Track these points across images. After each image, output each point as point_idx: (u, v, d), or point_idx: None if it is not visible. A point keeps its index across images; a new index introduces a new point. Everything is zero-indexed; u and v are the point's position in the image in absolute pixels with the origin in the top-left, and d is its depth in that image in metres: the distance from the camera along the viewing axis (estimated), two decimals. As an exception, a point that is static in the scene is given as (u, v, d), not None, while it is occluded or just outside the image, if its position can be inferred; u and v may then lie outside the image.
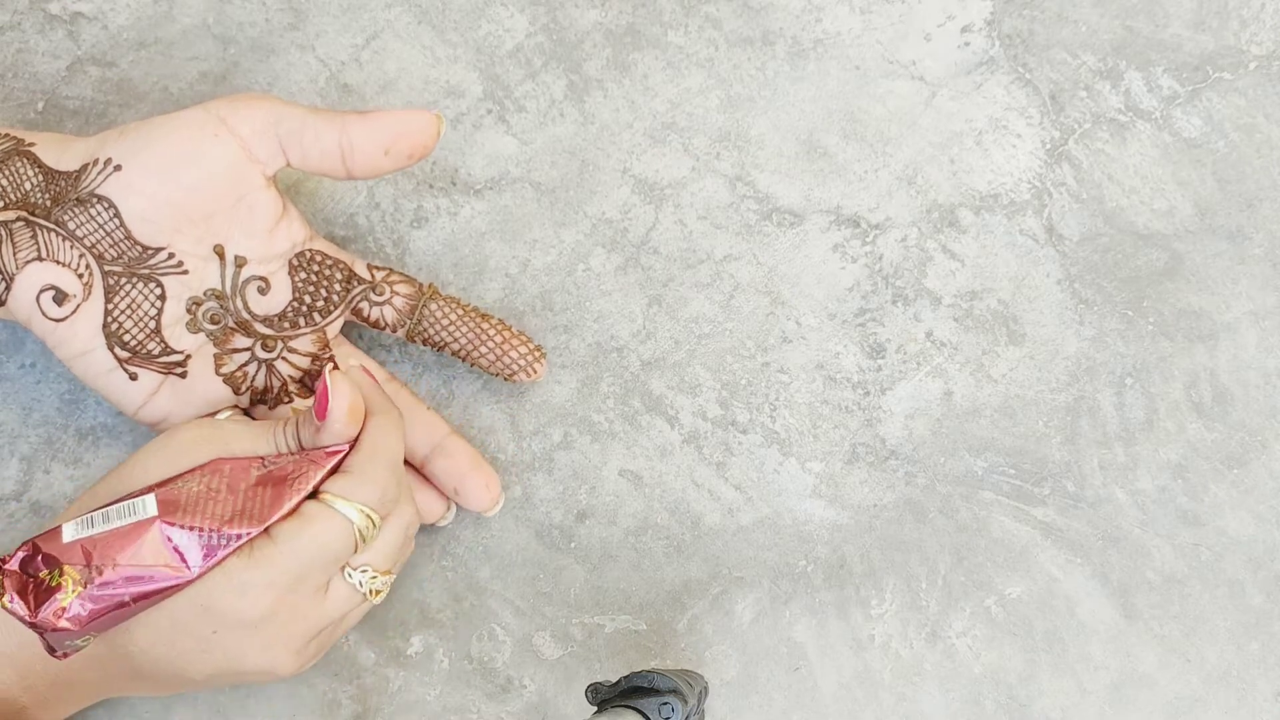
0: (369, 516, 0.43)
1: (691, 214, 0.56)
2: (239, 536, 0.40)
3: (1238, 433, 0.53)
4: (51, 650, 0.40)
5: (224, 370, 0.49)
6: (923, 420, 0.53)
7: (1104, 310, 0.54)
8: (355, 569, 0.44)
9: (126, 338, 0.48)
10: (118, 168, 0.47)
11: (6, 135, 0.48)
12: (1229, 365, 0.54)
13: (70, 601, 0.38)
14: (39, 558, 0.39)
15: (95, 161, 0.47)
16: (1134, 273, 0.55)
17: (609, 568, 0.52)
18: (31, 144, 0.48)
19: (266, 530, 0.41)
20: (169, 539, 0.39)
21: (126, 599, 0.39)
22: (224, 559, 0.40)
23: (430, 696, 0.50)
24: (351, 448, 0.43)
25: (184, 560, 0.39)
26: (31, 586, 0.39)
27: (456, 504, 0.52)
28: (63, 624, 0.38)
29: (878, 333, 0.54)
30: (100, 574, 0.39)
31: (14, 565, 0.39)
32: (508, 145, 0.56)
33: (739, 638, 0.51)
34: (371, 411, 0.44)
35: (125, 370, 0.48)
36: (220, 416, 0.49)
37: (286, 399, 0.50)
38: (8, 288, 0.46)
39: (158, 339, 0.48)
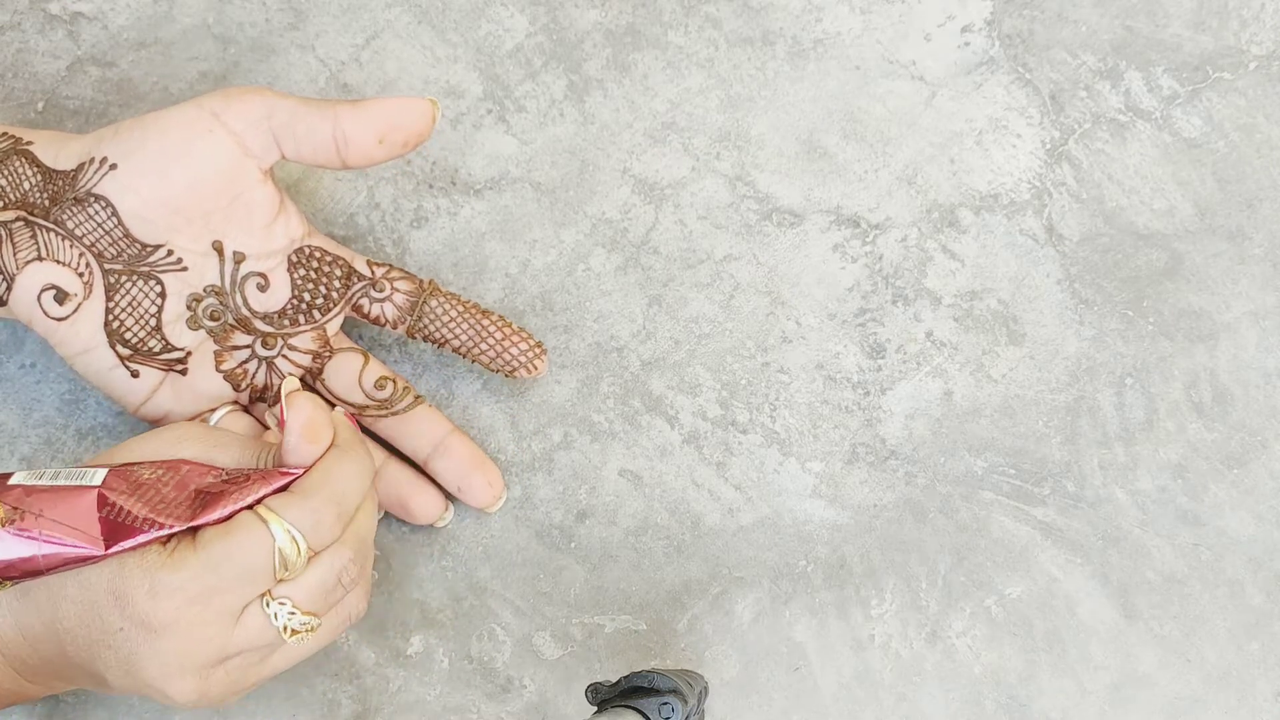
0: (294, 540, 0.40)
1: (691, 214, 0.56)
2: (161, 526, 0.39)
3: (1238, 433, 0.53)
4: None
5: (224, 367, 0.49)
6: (923, 420, 0.53)
7: (1104, 310, 0.54)
8: (274, 599, 0.41)
9: (128, 335, 0.48)
10: (113, 166, 0.47)
11: (4, 134, 0.48)
12: (1229, 365, 0.54)
13: None
14: None
15: (91, 161, 0.47)
16: (1134, 273, 0.55)
17: (609, 568, 0.52)
18: (29, 143, 0.48)
19: (192, 532, 0.40)
20: (99, 511, 0.39)
21: (37, 557, 0.39)
22: (134, 547, 0.39)
23: (430, 696, 0.50)
24: (305, 472, 0.42)
25: (101, 535, 0.39)
26: None
27: (459, 501, 0.51)
28: None
29: (878, 333, 0.54)
30: (23, 519, 0.39)
31: None
32: (508, 145, 0.56)
33: (739, 638, 0.51)
34: (340, 446, 0.42)
35: (127, 368, 0.48)
36: (219, 413, 0.49)
37: (287, 397, 0.50)
38: (9, 288, 0.46)
39: (159, 336, 0.48)
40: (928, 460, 0.53)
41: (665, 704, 0.40)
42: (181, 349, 0.48)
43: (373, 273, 0.51)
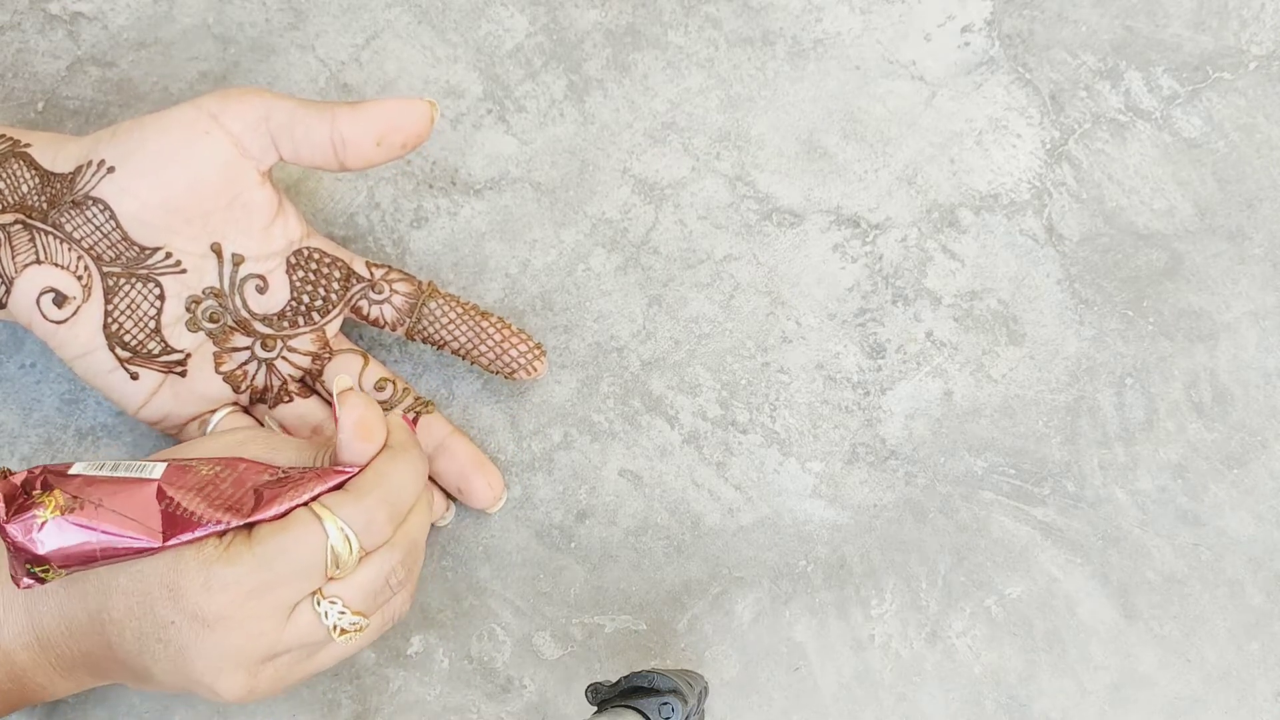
0: (347, 539, 0.41)
1: (691, 214, 0.56)
2: (218, 522, 0.40)
3: (1238, 433, 0.53)
4: (15, 578, 0.40)
5: (224, 369, 0.49)
6: (923, 420, 0.53)
7: (1104, 310, 0.54)
8: (325, 598, 0.41)
9: (127, 338, 0.48)
10: (111, 169, 0.46)
11: (2, 136, 0.48)
12: (1229, 365, 0.54)
13: (45, 521, 0.39)
14: (40, 479, 0.40)
15: (89, 163, 0.47)
16: (1134, 273, 0.55)
17: (609, 568, 0.52)
18: (27, 145, 0.48)
19: (248, 528, 0.41)
20: (158, 504, 0.39)
21: (94, 545, 0.39)
22: (191, 541, 0.40)
23: (430, 696, 0.50)
24: (360, 471, 0.42)
25: (160, 528, 0.39)
26: (19, 498, 0.39)
27: (459, 502, 0.52)
28: (29, 541, 0.38)
29: (878, 333, 0.54)
30: (82, 508, 0.39)
31: (17, 480, 0.39)
32: (508, 145, 0.56)
33: (739, 638, 0.51)
34: (395, 447, 0.43)
35: (126, 370, 0.48)
36: (219, 415, 0.49)
37: (286, 398, 0.50)
38: (8, 291, 0.46)
39: (158, 338, 0.48)
40: (928, 460, 0.53)
41: (665, 704, 0.40)
42: (181, 351, 0.48)
43: (372, 274, 0.51)
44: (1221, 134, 0.56)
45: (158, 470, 0.41)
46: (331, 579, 0.41)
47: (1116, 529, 0.52)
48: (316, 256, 0.50)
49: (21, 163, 0.47)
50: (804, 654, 0.51)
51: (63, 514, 0.39)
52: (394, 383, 0.50)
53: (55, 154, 0.47)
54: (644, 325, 0.54)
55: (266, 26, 0.57)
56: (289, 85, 0.56)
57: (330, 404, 0.51)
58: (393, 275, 0.51)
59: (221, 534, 0.40)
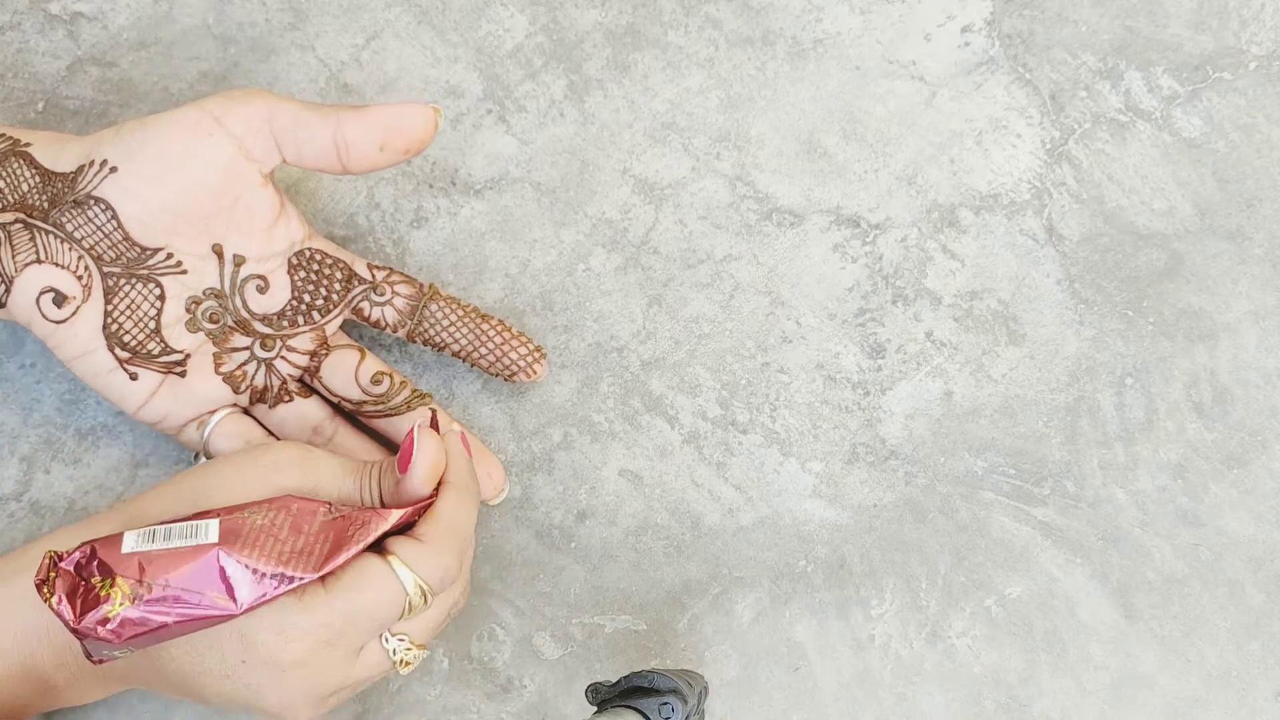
0: (424, 592, 0.41)
1: (691, 214, 0.56)
2: (291, 580, 0.39)
3: (1238, 433, 0.53)
4: (89, 655, 0.39)
5: (223, 369, 0.49)
6: (923, 420, 0.53)
7: (1104, 310, 0.54)
8: (393, 635, 0.43)
9: (126, 338, 0.48)
10: (113, 169, 0.46)
11: (3, 135, 0.48)
12: (1229, 365, 0.54)
13: (115, 614, 0.38)
14: (95, 563, 0.38)
15: (91, 163, 0.47)
16: (1134, 273, 0.55)
17: (609, 568, 0.52)
18: (28, 144, 0.48)
19: (321, 578, 0.40)
20: (223, 569, 0.39)
21: (170, 621, 0.38)
22: (273, 599, 0.39)
23: (430, 696, 0.50)
24: (422, 509, 0.42)
25: (232, 595, 0.39)
26: (82, 590, 0.38)
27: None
28: (104, 634, 0.38)
29: (878, 333, 0.54)
30: (150, 591, 0.38)
31: (69, 565, 0.38)
32: (508, 145, 0.56)
33: (739, 638, 0.51)
34: (455, 483, 0.43)
35: (125, 370, 0.48)
36: (218, 416, 0.49)
37: (286, 398, 0.50)
38: (7, 290, 0.46)
39: (157, 339, 0.48)
40: (928, 460, 0.53)
41: (665, 704, 0.40)
42: (180, 351, 0.48)
43: (373, 276, 0.51)
44: (1221, 134, 0.56)
45: (213, 532, 0.39)
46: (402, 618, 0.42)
47: (1116, 529, 0.52)
48: (318, 258, 0.50)
49: (22, 162, 0.47)
50: (804, 654, 0.51)
51: (131, 602, 0.38)
52: (390, 376, 0.50)
53: (56, 153, 0.47)
54: (644, 325, 0.54)
55: (266, 26, 0.57)
56: (289, 85, 0.56)
57: (328, 402, 0.51)
58: (394, 277, 0.51)
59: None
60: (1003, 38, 0.57)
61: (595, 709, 0.41)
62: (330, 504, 0.42)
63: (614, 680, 0.42)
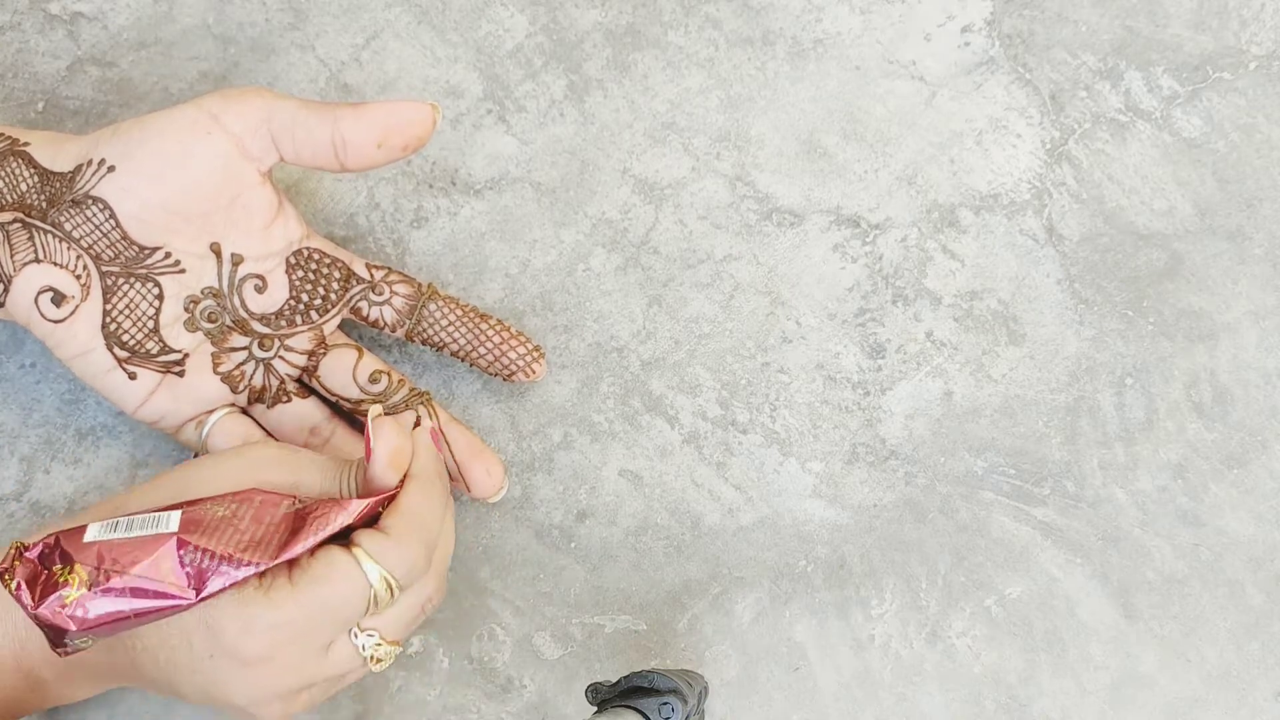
0: (390, 585, 0.41)
1: (691, 214, 0.56)
2: (247, 565, 0.39)
3: (1238, 433, 0.53)
4: (53, 644, 0.40)
5: (221, 369, 0.49)
6: (923, 420, 0.53)
7: (1104, 310, 0.54)
8: (363, 631, 0.42)
9: (125, 337, 0.48)
10: (111, 169, 0.46)
11: (1, 135, 0.48)
12: (1229, 365, 0.54)
13: (73, 599, 0.38)
14: (58, 551, 0.39)
15: (89, 162, 0.47)
16: (1134, 273, 0.55)
17: (609, 568, 0.52)
18: (26, 144, 0.48)
19: (288, 567, 0.40)
20: (181, 559, 0.39)
21: (128, 612, 0.39)
22: (229, 588, 0.39)
23: (430, 696, 0.50)
24: (386, 500, 0.42)
25: (190, 583, 0.39)
26: (43, 578, 0.38)
27: (462, 491, 0.51)
28: (62, 620, 0.38)
29: (878, 333, 0.54)
30: (107, 579, 0.38)
31: (33, 555, 0.39)
32: (508, 145, 0.56)
33: (739, 638, 0.51)
34: (423, 476, 0.43)
35: (124, 370, 0.48)
36: (217, 415, 0.49)
37: (285, 398, 0.50)
38: (6, 290, 0.46)
39: (156, 338, 0.48)
40: (928, 460, 0.53)
41: (665, 704, 0.40)
42: (179, 351, 0.48)
43: (372, 276, 0.51)
44: (1221, 134, 0.56)
45: (174, 521, 0.40)
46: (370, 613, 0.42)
47: (1116, 529, 0.52)
48: (316, 257, 0.50)
49: (20, 161, 0.47)
50: (804, 654, 0.51)
51: (89, 589, 0.38)
52: (388, 375, 0.50)
53: (55, 153, 0.47)
54: (644, 325, 0.54)
55: (266, 26, 0.57)
56: (289, 85, 0.56)
57: (327, 402, 0.51)
58: (393, 277, 0.51)
59: (260, 575, 0.40)
60: (1003, 38, 0.57)
61: (595, 709, 0.41)
62: (295, 497, 0.42)
63: (614, 680, 0.42)
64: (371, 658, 0.43)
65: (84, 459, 0.52)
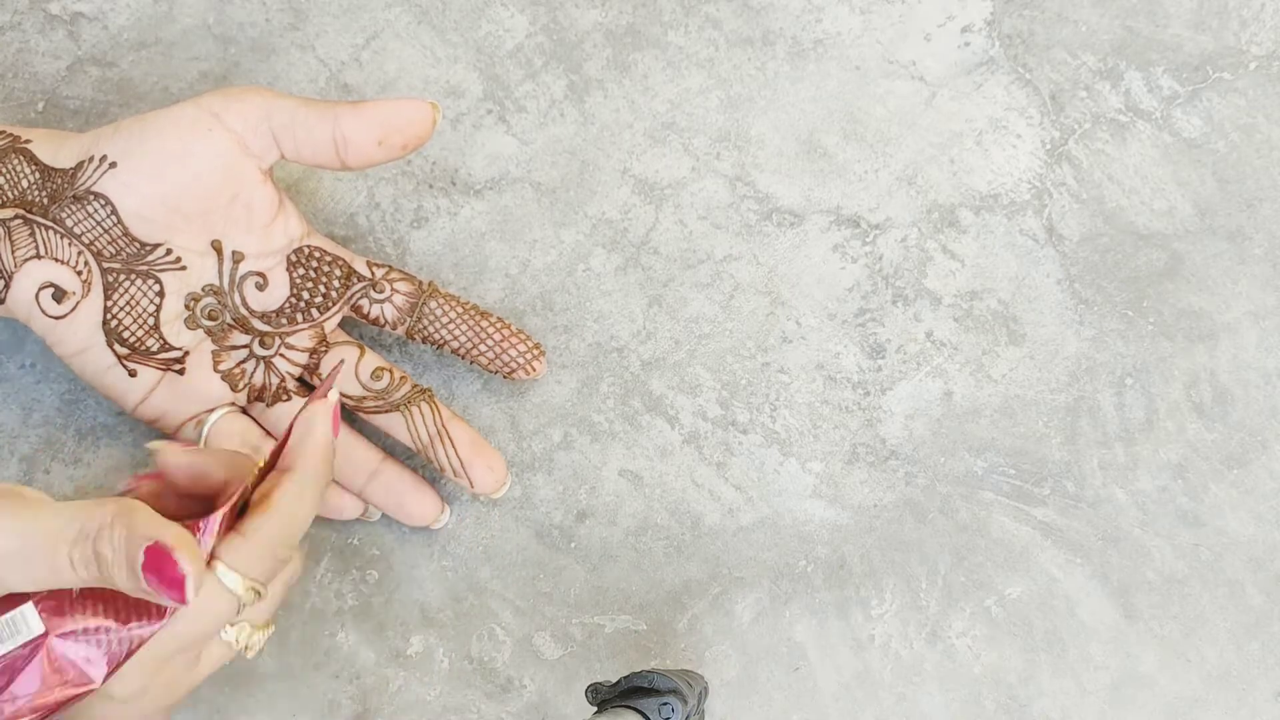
0: (255, 590, 0.39)
1: (691, 214, 0.56)
2: (141, 637, 0.37)
3: (1238, 433, 0.53)
4: None
5: (222, 367, 0.49)
6: (923, 420, 0.53)
7: (1104, 310, 0.54)
8: (231, 626, 0.41)
9: (125, 334, 0.48)
10: (113, 165, 0.47)
11: (2, 132, 0.48)
12: (1229, 365, 0.54)
13: None
14: None
15: (91, 159, 0.47)
16: (1134, 273, 0.55)
17: (609, 568, 0.52)
18: (28, 141, 0.48)
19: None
20: (65, 655, 0.36)
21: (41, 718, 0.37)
22: (134, 651, 0.37)
23: (430, 696, 0.50)
24: (237, 500, 0.39)
25: (86, 672, 0.36)
26: None
27: (464, 488, 0.51)
28: None
29: (878, 333, 0.54)
30: (2, 713, 0.36)
31: None
32: (508, 145, 0.56)
33: (739, 638, 0.51)
34: (301, 471, 0.40)
35: (124, 367, 0.48)
36: (217, 414, 0.49)
37: (285, 397, 0.50)
38: (6, 286, 0.46)
39: (156, 335, 0.48)
40: (928, 460, 0.53)
41: (665, 704, 0.40)
42: (179, 348, 0.48)
43: (372, 273, 0.51)
44: (1221, 134, 0.56)
45: (33, 621, 0.36)
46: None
47: (1116, 529, 0.52)
48: (317, 255, 0.50)
49: (22, 158, 0.47)
50: (804, 654, 0.51)
51: None
52: (390, 372, 0.50)
53: (56, 149, 0.47)
54: (644, 325, 0.54)
55: (266, 26, 0.57)
56: (289, 85, 0.56)
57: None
58: (393, 275, 0.51)
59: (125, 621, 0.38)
60: (1003, 38, 0.57)
61: (595, 709, 0.41)
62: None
63: (614, 680, 0.42)
64: (246, 647, 0.42)
65: (84, 459, 0.52)
